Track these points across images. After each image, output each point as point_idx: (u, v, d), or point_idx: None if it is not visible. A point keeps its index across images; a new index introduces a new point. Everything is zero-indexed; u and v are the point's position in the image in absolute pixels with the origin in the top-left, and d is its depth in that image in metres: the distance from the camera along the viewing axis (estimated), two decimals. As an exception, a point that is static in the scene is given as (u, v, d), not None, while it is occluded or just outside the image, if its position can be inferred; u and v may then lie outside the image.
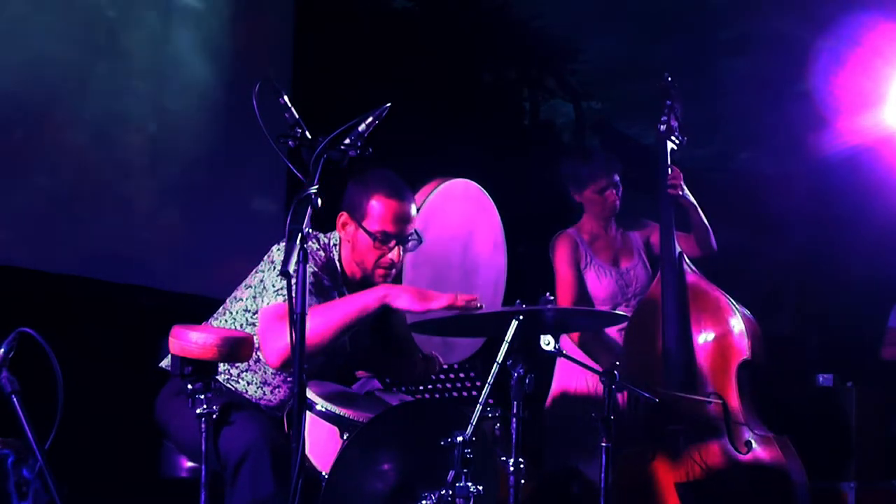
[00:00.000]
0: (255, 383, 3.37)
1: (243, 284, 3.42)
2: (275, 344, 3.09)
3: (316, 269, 3.27)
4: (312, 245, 3.34)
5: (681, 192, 4.35)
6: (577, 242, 4.53)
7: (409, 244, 3.33)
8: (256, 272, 3.36)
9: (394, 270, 3.36)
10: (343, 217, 3.36)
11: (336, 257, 3.40)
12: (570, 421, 4.42)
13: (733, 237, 4.93)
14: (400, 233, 3.30)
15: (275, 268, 3.24)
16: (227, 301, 3.45)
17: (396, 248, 3.32)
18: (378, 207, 3.28)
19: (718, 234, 4.55)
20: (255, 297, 3.32)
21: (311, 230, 3.30)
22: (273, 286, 3.20)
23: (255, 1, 6.17)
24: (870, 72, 6.45)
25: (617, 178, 4.49)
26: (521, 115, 9.01)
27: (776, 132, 7.80)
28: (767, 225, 7.49)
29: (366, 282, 3.37)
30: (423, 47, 7.78)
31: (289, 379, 3.36)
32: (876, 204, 6.84)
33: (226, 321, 3.39)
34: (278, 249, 3.31)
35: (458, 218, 3.63)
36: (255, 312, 3.32)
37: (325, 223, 3.44)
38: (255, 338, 3.30)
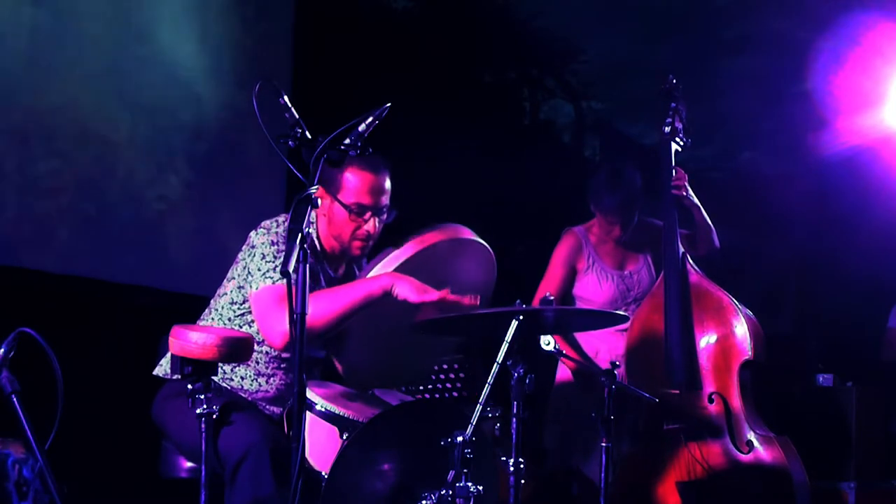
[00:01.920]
0: (250, 377, 3.38)
1: (225, 279, 3.42)
2: (278, 327, 3.12)
3: None
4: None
5: (685, 193, 4.35)
6: (582, 243, 4.52)
7: (385, 216, 3.35)
8: (237, 262, 3.37)
9: (370, 242, 3.40)
10: (318, 192, 3.35)
11: (314, 234, 3.41)
12: (571, 406, 4.43)
13: (733, 237, 4.93)
14: (375, 204, 3.33)
15: (256, 252, 3.25)
16: (213, 300, 3.46)
17: (372, 219, 3.34)
18: (352, 180, 3.30)
19: (719, 234, 4.56)
20: (240, 288, 3.33)
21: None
22: (259, 270, 3.22)
23: (256, 1, 6.17)
24: (870, 71, 6.45)
25: (633, 217, 4.47)
26: (521, 115, 9.01)
27: (776, 132, 7.80)
28: (767, 225, 7.49)
29: (344, 255, 3.43)
30: (423, 47, 7.77)
31: (283, 365, 3.37)
32: (876, 204, 6.84)
33: (212, 319, 3.39)
34: (256, 234, 3.32)
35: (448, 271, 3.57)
36: (242, 303, 3.33)
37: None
38: (249, 328, 3.31)
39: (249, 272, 3.25)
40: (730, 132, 8.34)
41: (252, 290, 3.23)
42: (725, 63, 8.07)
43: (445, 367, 4.90)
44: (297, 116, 2.83)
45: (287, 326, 3.09)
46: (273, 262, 3.22)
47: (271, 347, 3.21)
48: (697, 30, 8.29)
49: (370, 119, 2.82)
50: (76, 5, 5.14)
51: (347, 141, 2.78)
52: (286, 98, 2.82)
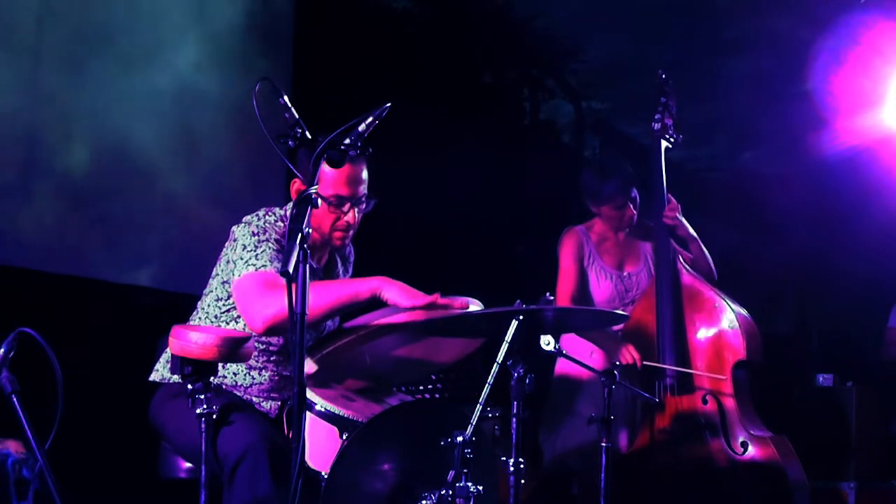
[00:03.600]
0: (242, 371, 3.38)
1: (210, 277, 3.43)
2: (259, 311, 3.11)
3: (278, 238, 3.29)
4: (270, 218, 3.35)
5: (677, 223, 4.30)
6: (583, 241, 4.52)
7: (364, 205, 3.35)
8: (220, 259, 3.38)
9: (351, 232, 3.39)
10: (296, 184, 3.35)
11: None
12: (569, 406, 4.43)
13: (733, 237, 4.93)
14: (353, 194, 3.33)
15: (238, 244, 3.26)
16: (199, 300, 3.46)
17: (351, 210, 3.34)
18: (330, 171, 3.25)
19: (718, 234, 4.55)
20: (224, 283, 3.34)
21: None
22: (241, 259, 3.22)
23: (256, 1, 6.18)
24: (869, 71, 6.45)
25: (634, 192, 4.44)
26: (521, 115, 9.01)
27: (776, 132, 7.81)
28: (767, 225, 7.49)
29: (326, 246, 3.43)
30: (423, 47, 7.78)
31: (273, 358, 3.38)
32: (875, 204, 6.85)
33: (199, 319, 3.40)
34: (238, 228, 3.33)
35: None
36: (227, 298, 3.33)
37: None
38: (236, 324, 3.32)
39: (233, 263, 3.26)
40: (730, 132, 8.35)
41: (233, 278, 3.23)
42: (725, 63, 8.08)
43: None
44: (297, 116, 2.82)
45: (268, 311, 3.08)
46: (254, 251, 3.22)
47: (253, 332, 3.21)
48: (697, 30, 8.30)
49: (370, 119, 2.82)
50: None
51: (347, 141, 2.78)
52: (286, 98, 2.82)
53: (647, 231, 4.56)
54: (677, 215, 4.32)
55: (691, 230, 4.36)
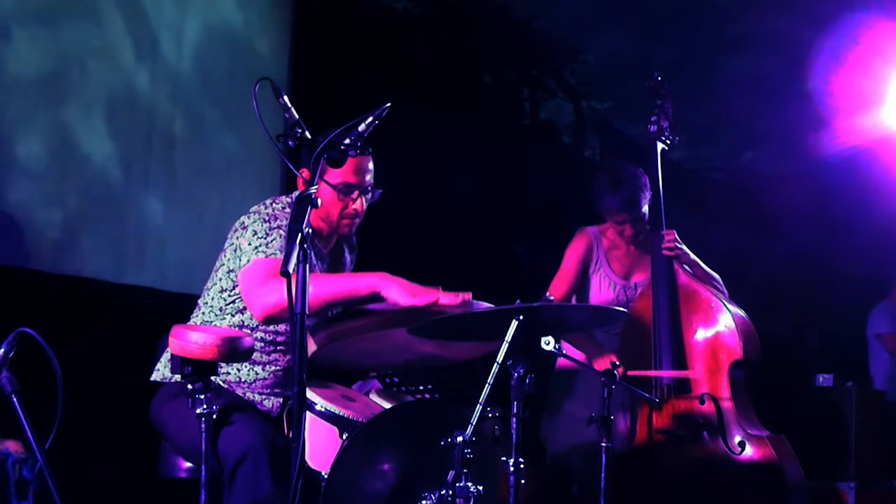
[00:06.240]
0: (245, 366, 3.38)
1: (213, 270, 3.43)
2: (260, 298, 3.12)
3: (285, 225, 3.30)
4: (277, 206, 3.37)
5: (676, 253, 4.22)
6: (594, 244, 4.47)
7: (370, 195, 3.38)
8: (225, 249, 3.38)
9: (358, 219, 3.42)
10: (305, 173, 3.36)
11: None
12: (571, 398, 4.42)
13: (733, 237, 4.92)
14: (361, 183, 3.35)
15: (247, 231, 3.26)
16: (202, 296, 3.45)
17: (360, 198, 3.37)
18: None
19: (718, 234, 4.52)
20: (230, 272, 3.34)
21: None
22: (250, 244, 3.23)
23: (255, 1, 6.17)
24: (869, 71, 6.45)
25: (643, 211, 4.33)
26: (521, 115, 9.02)
27: (776, 132, 7.82)
28: (767, 225, 7.50)
29: (333, 234, 3.46)
30: (423, 47, 7.79)
31: (279, 348, 3.38)
32: (875, 204, 6.85)
33: (203, 314, 3.39)
34: (248, 217, 3.34)
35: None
36: (232, 289, 3.33)
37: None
38: (241, 315, 3.32)
39: (240, 249, 3.26)
40: (730, 132, 8.36)
41: (242, 264, 3.23)
42: (726, 63, 8.08)
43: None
44: (296, 116, 2.83)
45: (270, 299, 3.10)
46: (265, 237, 3.23)
47: (253, 319, 3.22)
48: (698, 30, 8.31)
49: (370, 119, 2.82)
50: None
51: (347, 141, 2.78)
52: (286, 98, 2.82)
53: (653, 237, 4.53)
54: (676, 245, 4.27)
55: (692, 255, 4.33)
